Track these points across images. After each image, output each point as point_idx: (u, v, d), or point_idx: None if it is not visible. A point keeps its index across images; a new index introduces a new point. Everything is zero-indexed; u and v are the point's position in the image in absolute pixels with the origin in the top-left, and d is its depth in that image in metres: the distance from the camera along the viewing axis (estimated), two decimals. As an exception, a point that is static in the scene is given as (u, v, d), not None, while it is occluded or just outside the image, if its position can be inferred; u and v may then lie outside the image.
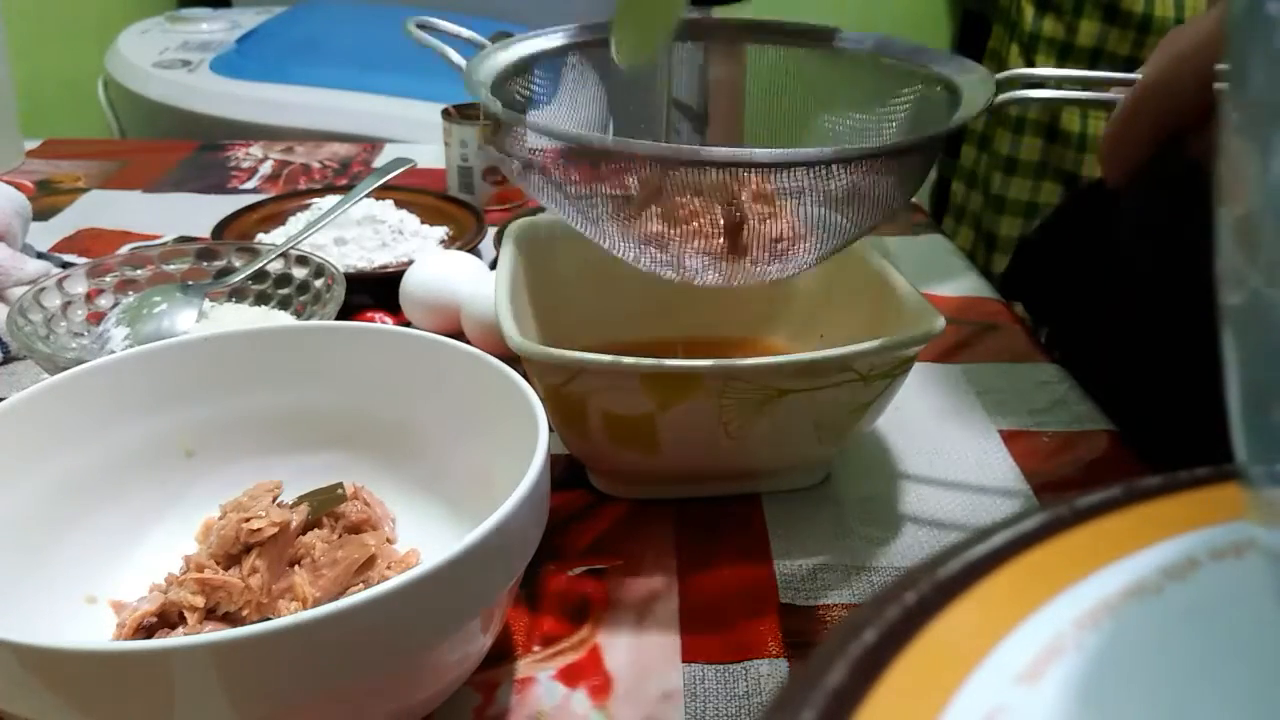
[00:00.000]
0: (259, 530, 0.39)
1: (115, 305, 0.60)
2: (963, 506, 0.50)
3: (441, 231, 0.77)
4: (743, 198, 0.42)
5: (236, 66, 1.45)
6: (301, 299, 0.62)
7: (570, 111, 0.51)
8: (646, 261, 0.45)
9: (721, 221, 0.42)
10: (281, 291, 0.63)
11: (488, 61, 0.47)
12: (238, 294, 0.63)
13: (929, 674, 0.14)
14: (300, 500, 0.41)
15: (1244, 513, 0.15)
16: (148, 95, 1.43)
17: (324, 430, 0.46)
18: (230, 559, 0.39)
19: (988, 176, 1.08)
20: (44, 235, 0.78)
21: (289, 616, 0.28)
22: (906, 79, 0.48)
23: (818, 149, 0.43)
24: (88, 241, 0.79)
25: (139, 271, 0.63)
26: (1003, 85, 0.44)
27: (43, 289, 0.59)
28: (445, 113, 0.85)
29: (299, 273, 0.63)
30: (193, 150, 1.00)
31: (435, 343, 0.44)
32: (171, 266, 0.64)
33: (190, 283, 0.62)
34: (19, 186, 0.78)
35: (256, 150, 1.01)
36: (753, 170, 0.41)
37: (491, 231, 0.76)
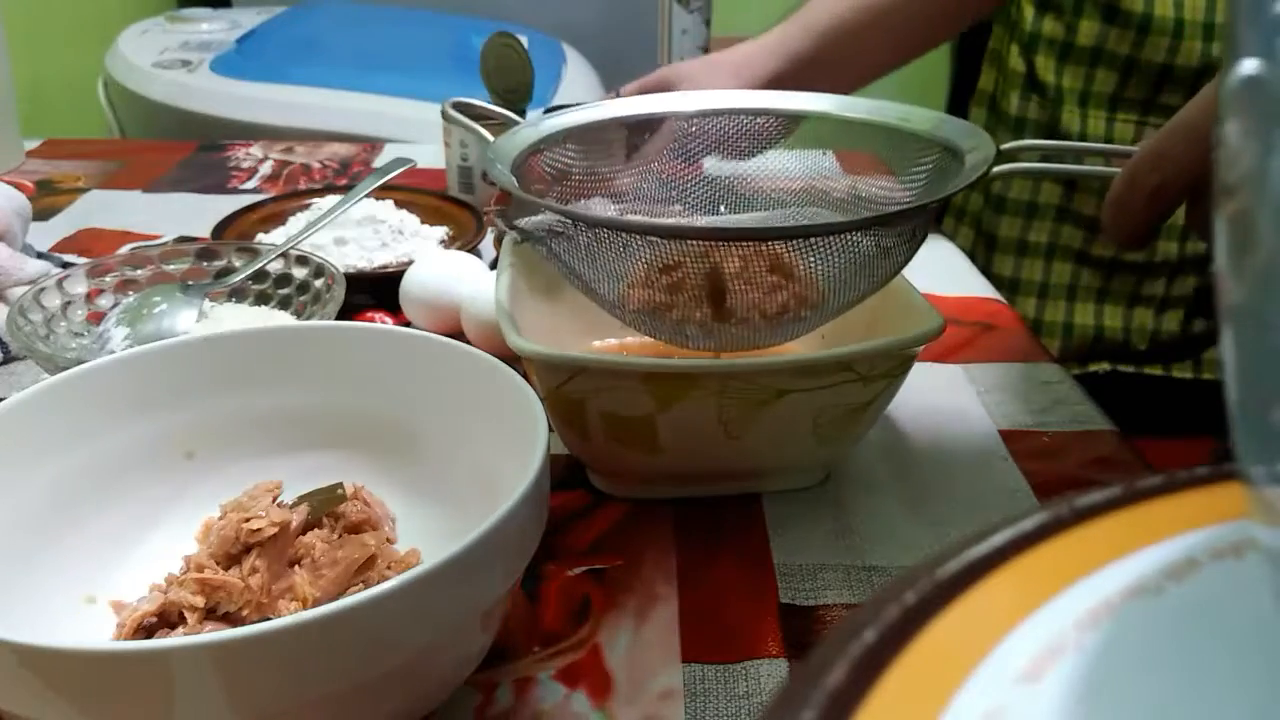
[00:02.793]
0: (259, 530, 0.39)
1: (115, 305, 0.60)
2: (963, 506, 0.50)
3: (441, 231, 0.77)
4: (729, 268, 0.44)
5: (236, 66, 1.45)
6: (301, 299, 0.62)
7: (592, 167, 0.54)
8: (644, 329, 0.47)
9: (710, 290, 0.45)
10: (281, 291, 0.63)
11: (514, 139, 0.50)
12: (238, 294, 0.63)
13: (929, 674, 0.14)
14: (300, 500, 0.41)
15: (1244, 513, 0.15)
16: (148, 95, 1.43)
17: (324, 430, 0.46)
18: (230, 559, 0.39)
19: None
20: (44, 235, 0.78)
21: (289, 616, 0.28)
22: (925, 146, 0.50)
23: (803, 224, 0.47)
24: (88, 241, 0.79)
25: (139, 271, 0.63)
26: (1009, 153, 0.47)
27: (43, 289, 0.59)
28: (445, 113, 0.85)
29: (299, 273, 0.63)
30: (193, 150, 1.00)
31: (435, 343, 0.44)
32: (171, 266, 0.64)
33: (190, 283, 0.62)
34: (19, 186, 0.78)
35: (256, 150, 1.01)
36: (739, 242, 0.44)
37: (491, 231, 0.76)
